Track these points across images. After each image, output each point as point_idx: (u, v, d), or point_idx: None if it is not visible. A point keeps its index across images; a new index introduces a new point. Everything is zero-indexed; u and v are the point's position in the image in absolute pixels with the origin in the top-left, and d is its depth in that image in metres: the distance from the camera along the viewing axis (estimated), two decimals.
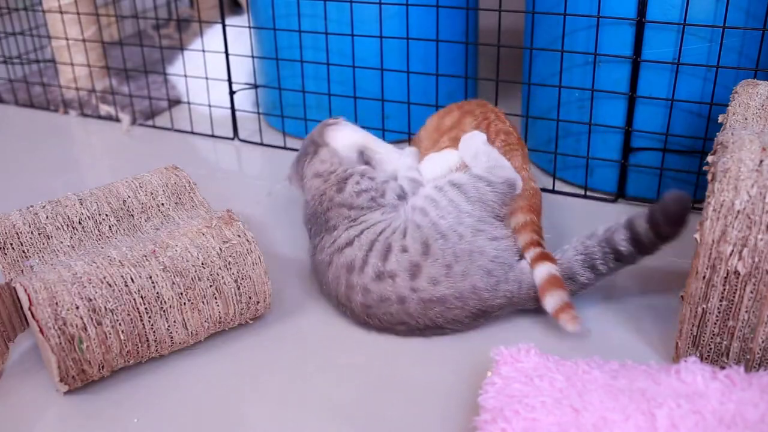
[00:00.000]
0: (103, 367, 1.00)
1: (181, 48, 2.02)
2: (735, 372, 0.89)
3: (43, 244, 1.13)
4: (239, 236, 1.08)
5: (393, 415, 0.98)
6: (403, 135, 1.67)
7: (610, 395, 0.87)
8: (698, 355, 1.00)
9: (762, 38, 1.30)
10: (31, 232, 1.13)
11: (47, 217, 1.15)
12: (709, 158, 0.99)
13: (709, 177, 0.95)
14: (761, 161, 0.92)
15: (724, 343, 0.98)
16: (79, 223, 1.15)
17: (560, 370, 0.92)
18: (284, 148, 1.77)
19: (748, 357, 0.97)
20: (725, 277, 0.93)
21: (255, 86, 1.84)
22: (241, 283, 1.08)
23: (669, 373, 0.90)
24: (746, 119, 1.08)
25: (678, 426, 0.82)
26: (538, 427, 0.84)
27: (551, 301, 1.08)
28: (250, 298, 1.09)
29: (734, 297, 0.94)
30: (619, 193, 1.48)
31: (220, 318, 1.08)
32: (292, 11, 1.64)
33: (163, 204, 1.21)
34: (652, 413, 0.83)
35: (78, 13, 1.96)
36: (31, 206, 1.16)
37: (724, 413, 0.84)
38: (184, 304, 1.04)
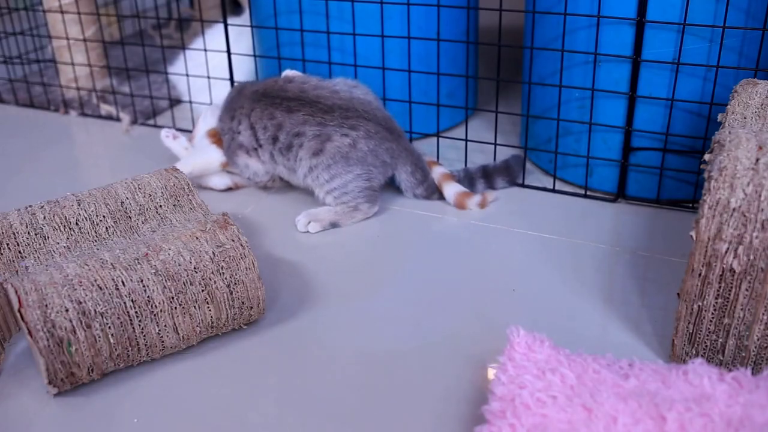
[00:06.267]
0: (92, 370, 1.00)
1: (182, 47, 2.02)
2: (742, 374, 0.89)
3: (40, 244, 1.13)
4: (233, 240, 1.08)
5: (393, 416, 0.97)
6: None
7: (620, 397, 0.86)
8: (694, 352, 0.99)
9: (762, 38, 1.29)
10: (28, 233, 1.13)
11: (44, 218, 1.14)
12: (706, 156, 0.99)
13: (706, 175, 0.95)
14: (757, 159, 0.91)
15: (720, 340, 0.97)
16: (76, 224, 1.15)
17: (571, 366, 0.91)
18: None
19: (743, 354, 0.97)
20: (721, 275, 0.93)
21: None
22: (234, 288, 1.07)
23: (677, 375, 0.90)
24: (745, 118, 1.07)
25: (687, 429, 0.81)
26: (548, 423, 0.83)
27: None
28: (243, 303, 1.09)
29: (729, 294, 0.94)
30: (619, 193, 1.47)
31: (212, 323, 1.07)
32: (293, 8, 1.64)
33: (161, 206, 1.20)
34: (661, 416, 0.83)
35: (78, 13, 1.96)
36: (30, 206, 1.16)
37: (731, 416, 0.83)
38: (175, 308, 1.03)
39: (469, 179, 1.51)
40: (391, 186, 1.52)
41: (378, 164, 1.41)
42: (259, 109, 1.44)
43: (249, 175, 1.52)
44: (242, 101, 1.48)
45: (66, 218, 1.15)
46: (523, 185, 1.54)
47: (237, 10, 2.27)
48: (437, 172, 1.50)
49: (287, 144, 1.41)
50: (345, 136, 1.38)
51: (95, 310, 0.98)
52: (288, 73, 1.52)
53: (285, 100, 1.42)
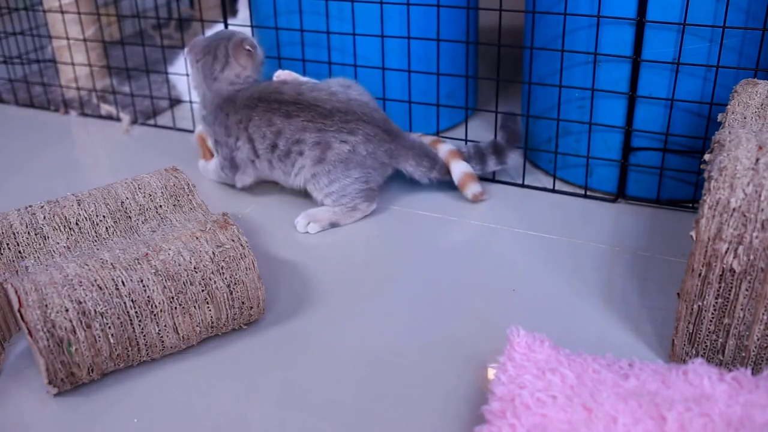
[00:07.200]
0: (92, 370, 1.00)
1: (182, 47, 2.02)
2: (742, 374, 0.89)
3: (40, 244, 1.13)
4: (233, 240, 1.08)
5: (393, 416, 0.97)
6: None
7: (620, 397, 0.86)
8: (694, 352, 0.99)
9: (762, 38, 1.29)
10: (28, 233, 1.13)
11: (44, 218, 1.14)
12: (706, 156, 0.99)
13: (706, 175, 0.95)
14: (757, 159, 0.91)
15: (720, 340, 0.97)
16: (76, 224, 1.15)
17: (571, 366, 0.91)
18: None
19: (743, 355, 0.96)
20: (721, 275, 0.93)
21: None
22: (234, 288, 1.07)
23: (677, 375, 0.90)
24: (745, 118, 1.07)
25: (687, 429, 0.81)
26: (548, 423, 0.83)
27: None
28: (243, 303, 1.09)
29: (729, 294, 0.94)
30: (619, 193, 1.47)
31: (212, 323, 1.08)
32: (293, 8, 1.64)
33: (161, 206, 1.20)
34: (661, 416, 0.83)
35: (79, 13, 1.96)
36: (30, 206, 1.16)
37: (731, 416, 0.83)
38: (175, 308, 1.03)
39: (479, 155, 1.50)
40: (391, 185, 1.53)
41: (377, 166, 1.41)
42: (257, 117, 1.41)
43: (229, 179, 1.54)
44: (238, 112, 1.44)
45: (66, 218, 1.15)
46: (523, 185, 1.54)
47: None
48: (444, 150, 1.49)
49: (286, 151, 1.40)
50: (344, 142, 1.37)
51: (95, 310, 0.98)
52: (280, 73, 1.50)
53: (283, 104, 1.40)
